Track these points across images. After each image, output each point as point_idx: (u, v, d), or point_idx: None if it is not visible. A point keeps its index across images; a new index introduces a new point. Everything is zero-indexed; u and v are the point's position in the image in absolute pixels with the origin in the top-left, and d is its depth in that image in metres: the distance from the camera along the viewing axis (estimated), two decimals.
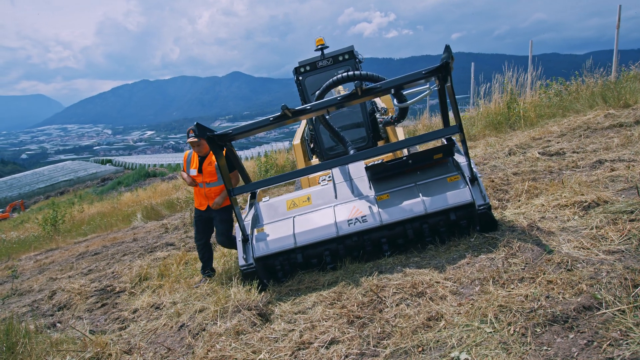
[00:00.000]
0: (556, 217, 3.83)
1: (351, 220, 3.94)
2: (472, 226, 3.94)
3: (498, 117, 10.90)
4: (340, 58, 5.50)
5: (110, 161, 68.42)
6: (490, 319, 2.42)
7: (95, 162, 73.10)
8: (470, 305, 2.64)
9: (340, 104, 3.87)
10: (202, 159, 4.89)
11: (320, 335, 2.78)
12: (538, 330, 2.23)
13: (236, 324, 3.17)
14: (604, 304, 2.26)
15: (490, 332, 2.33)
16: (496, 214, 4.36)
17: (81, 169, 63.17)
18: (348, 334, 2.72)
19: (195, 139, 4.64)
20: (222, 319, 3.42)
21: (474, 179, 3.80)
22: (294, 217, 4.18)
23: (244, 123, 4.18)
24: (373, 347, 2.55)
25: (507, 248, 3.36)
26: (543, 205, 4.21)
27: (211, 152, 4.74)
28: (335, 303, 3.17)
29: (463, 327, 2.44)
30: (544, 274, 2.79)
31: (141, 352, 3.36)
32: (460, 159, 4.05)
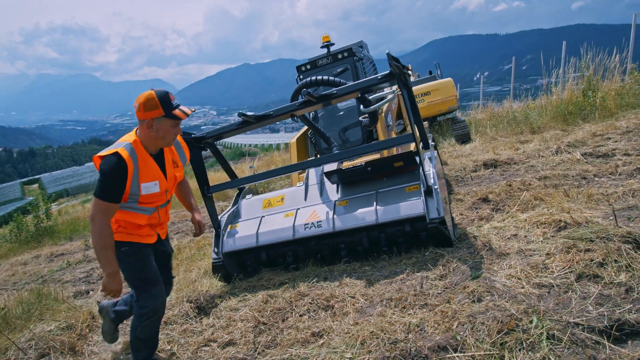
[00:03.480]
0: (525, 237, 3.45)
1: (308, 224, 4.00)
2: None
3: (570, 106, 9.57)
4: (340, 56, 5.44)
5: None
6: (356, 345, 2.38)
7: None
8: (358, 327, 2.60)
9: (299, 110, 3.91)
10: (160, 159, 2.79)
11: (225, 335, 2.98)
12: None
13: (172, 315, 3.52)
14: (459, 347, 2.08)
15: (348, 358, 2.30)
16: (472, 228, 4.04)
17: None
18: (246, 337, 2.88)
19: (192, 109, 2.71)
20: (174, 308, 3.80)
21: (429, 190, 3.57)
22: (262, 216, 4.37)
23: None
24: (257, 354, 2.68)
25: (444, 268, 3.15)
26: (525, 220, 3.79)
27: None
28: (260, 305, 3.32)
29: (331, 349, 2.44)
30: (448, 302, 2.61)
31: None
32: (426, 167, 3.82)
